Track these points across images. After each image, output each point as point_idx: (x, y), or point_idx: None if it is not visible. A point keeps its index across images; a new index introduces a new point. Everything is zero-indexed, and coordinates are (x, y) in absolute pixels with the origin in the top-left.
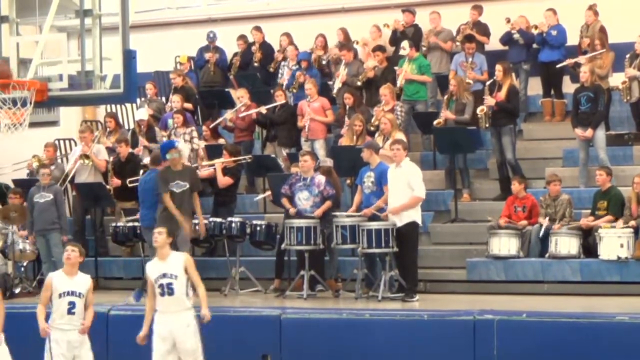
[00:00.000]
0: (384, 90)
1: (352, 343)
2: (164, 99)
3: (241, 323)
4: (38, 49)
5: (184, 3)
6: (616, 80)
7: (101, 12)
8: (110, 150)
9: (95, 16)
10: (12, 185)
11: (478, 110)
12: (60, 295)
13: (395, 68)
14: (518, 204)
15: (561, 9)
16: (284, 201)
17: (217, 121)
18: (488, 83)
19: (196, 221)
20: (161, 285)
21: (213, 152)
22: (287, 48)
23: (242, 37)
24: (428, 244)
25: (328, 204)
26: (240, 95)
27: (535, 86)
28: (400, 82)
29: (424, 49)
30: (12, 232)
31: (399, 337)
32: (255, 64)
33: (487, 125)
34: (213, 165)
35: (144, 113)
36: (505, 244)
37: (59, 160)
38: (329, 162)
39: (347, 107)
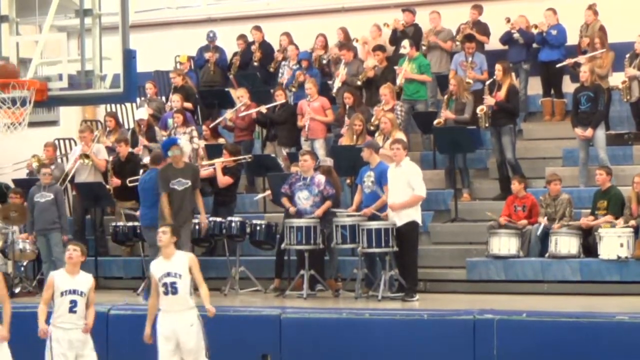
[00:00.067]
0: (384, 90)
1: (352, 343)
2: (164, 98)
3: (241, 323)
4: (38, 48)
5: (184, 3)
6: (616, 80)
7: (101, 12)
8: (110, 150)
9: (95, 16)
10: (12, 185)
11: (478, 110)
12: (62, 294)
13: (395, 67)
14: (518, 204)
15: (561, 9)
16: (284, 201)
17: (217, 121)
18: (488, 83)
19: (196, 221)
20: (165, 284)
21: (213, 151)
22: (287, 48)
23: (242, 37)
24: (428, 243)
25: (328, 203)
26: (240, 95)
27: (535, 86)
28: (399, 80)
29: (423, 48)
30: (12, 232)
31: (399, 337)
32: (255, 64)
33: (487, 125)
34: (213, 164)
35: (143, 113)
36: (505, 244)
37: (59, 160)
38: (329, 162)
39: (347, 106)
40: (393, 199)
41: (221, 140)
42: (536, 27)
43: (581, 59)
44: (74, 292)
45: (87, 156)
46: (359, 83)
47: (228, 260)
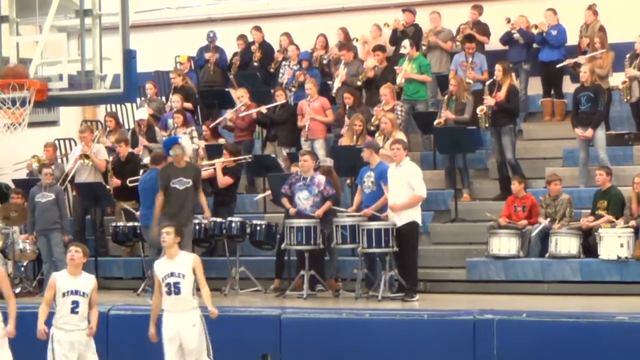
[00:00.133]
0: (384, 90)
1: (352, 343)
2: (164, 98)
3: (241, 323)
4: (38, 48)
5: (184, 3)
6: (616, 80)
7: (101, 12)
8: (110, 150)
9: (95, 16)
10: (12, 185)
11: (478, 110)
12: (64, 295)
13: (396, 67)
14: (518, 204)
15: (561, 9)
16: (284, 201)
17: (217, 121)
18: (488, 83)
19: (196, 221)
20: (168, 284)
21: (213, 151)
22: (288, 48)
23: (242, 37)
24: (428, 243)
25: (328, 204)
26: (240, 95)
27: (535, 86)
28: (399, 80)
29: (424, 48)
30: (12, 232)
31: (399, 337)
32: (255, 64)
33: (487, 125)
34: (213, 165)
35: (144, 113)
36: (505, 244)
37: (59, 160)
38: (329, 162)
39: (347, 106)
40: (393, 199)
41: (221, 141)
42: (536, 27)
43: (581, 59)
44: (76, 292)
45: (87, 156)
46: (359, 83)
47: (228, 261)
